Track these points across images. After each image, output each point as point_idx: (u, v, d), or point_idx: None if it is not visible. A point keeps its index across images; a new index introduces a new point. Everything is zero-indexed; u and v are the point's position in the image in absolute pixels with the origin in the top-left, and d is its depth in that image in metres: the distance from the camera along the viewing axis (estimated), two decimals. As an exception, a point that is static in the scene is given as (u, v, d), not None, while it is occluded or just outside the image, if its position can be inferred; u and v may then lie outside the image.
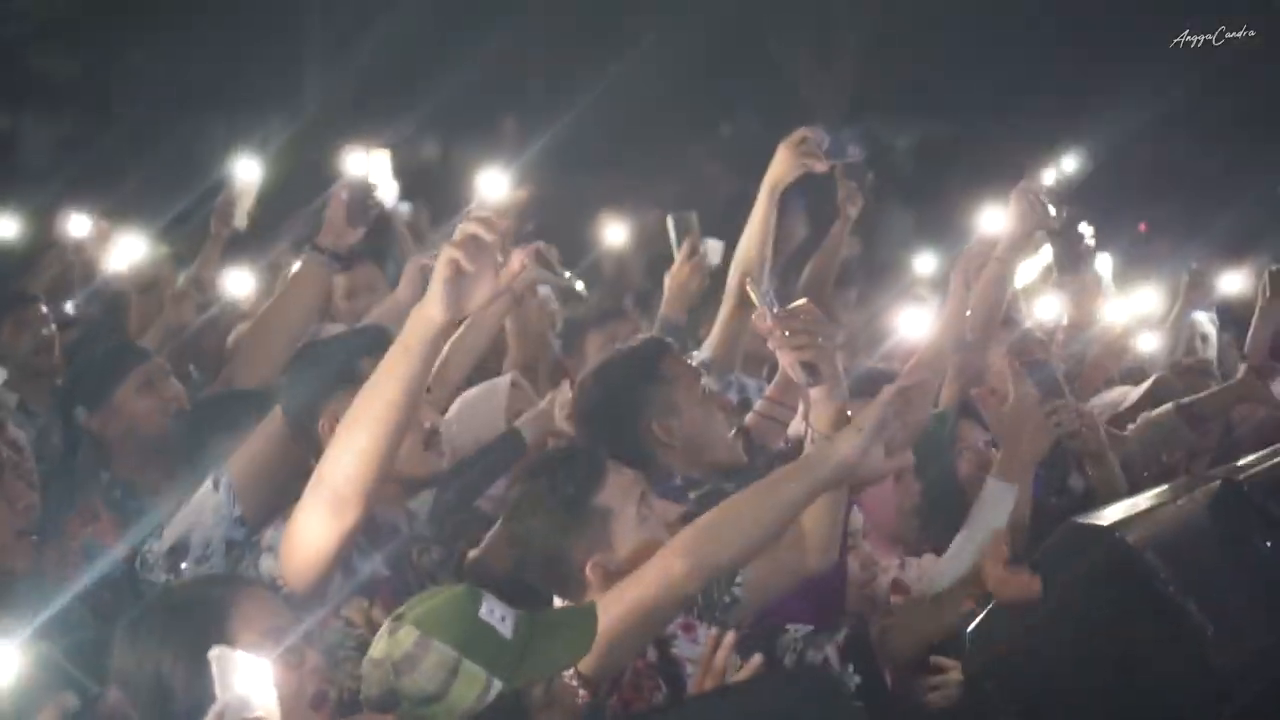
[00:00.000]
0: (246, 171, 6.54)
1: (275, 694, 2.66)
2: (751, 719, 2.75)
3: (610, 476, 3.61)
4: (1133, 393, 6.27)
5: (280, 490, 3.90)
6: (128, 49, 20.29)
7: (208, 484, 4.07)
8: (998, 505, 4.53)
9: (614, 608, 3.29)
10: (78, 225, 7.63)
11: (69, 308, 7.64)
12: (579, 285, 5.65)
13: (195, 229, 7.77)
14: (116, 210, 8.45)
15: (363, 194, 5.22)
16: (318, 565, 3.46)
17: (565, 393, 4.79)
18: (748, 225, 5.27)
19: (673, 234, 5.11)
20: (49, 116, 22.28)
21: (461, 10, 18.13)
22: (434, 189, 10.15)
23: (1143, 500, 4.35)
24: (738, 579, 3.71)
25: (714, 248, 8.31)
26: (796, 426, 4.60)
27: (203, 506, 4.05)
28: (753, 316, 3.44)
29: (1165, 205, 15.36)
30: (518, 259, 3.17)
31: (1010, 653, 4.03)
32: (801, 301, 3.45)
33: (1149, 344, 7.10)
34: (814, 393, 3.52)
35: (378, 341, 3.95)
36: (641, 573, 3.35)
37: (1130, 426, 5.86)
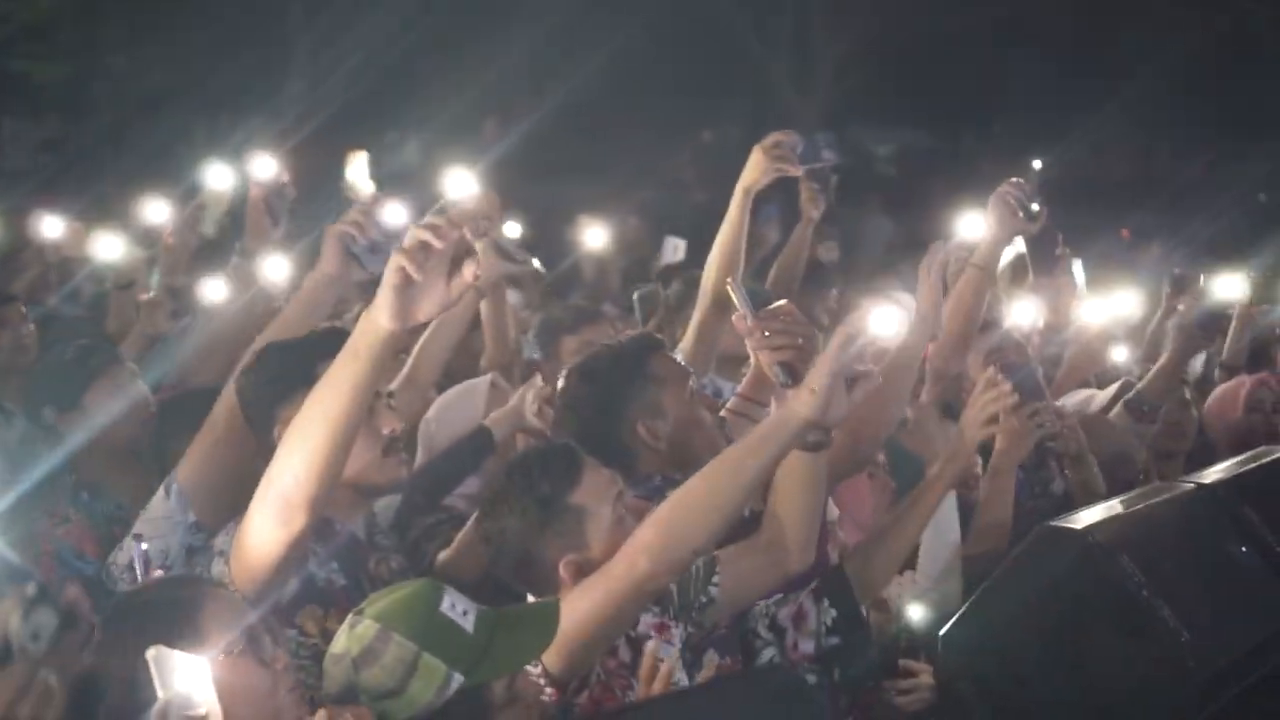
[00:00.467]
0: (218, 179, 6.45)
1: (215, 692, 2.62)
2: (717, 718, 2.74)
3: (587, 475, 3.57)
4: (1100, 395, 6.28)
5: (236, 490, 3.82)
6: (109, 52, 20.24)
7: (160, 492, 4.02)
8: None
9: (580, 604, 3.28)
10: (51, 226, 7.61)
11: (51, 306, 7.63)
12: (536, 265, 5.59)
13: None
14: (96, 212, 8.45)
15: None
16: (266, 571, 3.40)
17: (537, 384, 4.75)
18: (722, 227, 5.25)
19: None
20: (30, 119, 22.23)
21: (444, 15, 18.13)
22: (416, 192, 10.13)
23: (1117, 504, 4.35)
24: (714, 578, 3.67)
25: (675, 245, 8.32)
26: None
27: (155, 516, 4.00)
28: (733, 317, 3.40)
29: (1145, 212, 15.42)
30: (470, 270, 3.07)
31: (985, 655, 4.02)
32: (782, 303, 3.41)
33: (1122, 353, 7.10)
34: (791, 394, 3.47)
35: (337, 345, 3.94)
36: (607, 568, 3.34)
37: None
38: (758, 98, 20.11)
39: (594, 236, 8.87)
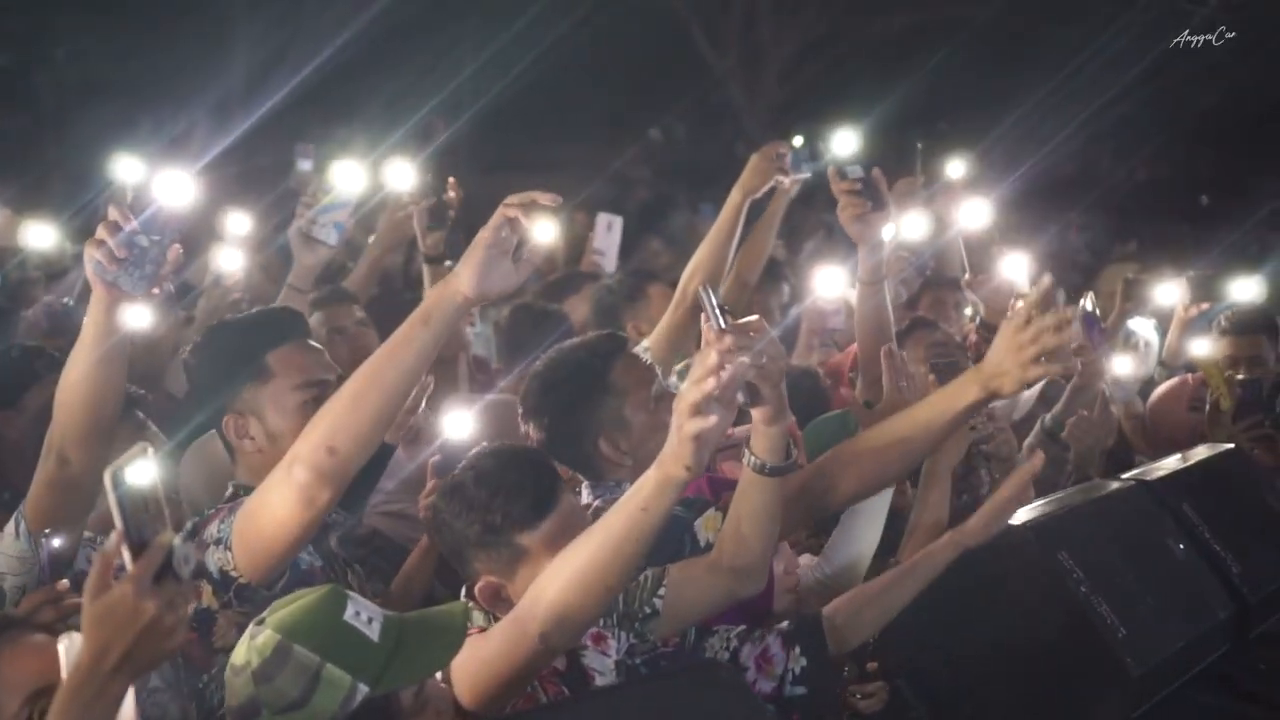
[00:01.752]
0: (129, 172, 6.32)
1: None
2: (651, 713, 2.69)
3: (545, 523, 3.43)
4: (1024, 396, 6.23)
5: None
6: (50, 42, 20.06)
7: (9, 527, 3.84)
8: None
9: (483, 651, 3.19)
10: None
11: None
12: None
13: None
14: (33, 201, 8.35)
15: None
16: (281, 552, 3.33)
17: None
18: (713, 230, 5.26)
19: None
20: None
21: (393, 11, 18.04)
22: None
23: (1055, 501, 4.33)
24: (660, 590, 3.52)
25: (608, 221, 8.23)
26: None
27: (9, 553, 3.83)
28: (703, 324, 3.32)
29: (1094, 213, 15.50)
30: (538, 252, 3.20)
31: (923, 652, 4.00)
32: (754, 318, 3.30)
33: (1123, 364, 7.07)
34: (755, 414, 3.33)
35: (287, 331, 3.85)
36: (497, 631, 3.23)
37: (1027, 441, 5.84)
38: (705, 95, 20.12)
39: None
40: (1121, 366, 6.13)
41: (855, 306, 5.09)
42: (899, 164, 6.75)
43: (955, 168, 7.00)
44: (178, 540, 2.40)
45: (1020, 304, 3.56)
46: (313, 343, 3.91)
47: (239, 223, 6.65)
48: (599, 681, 3.43)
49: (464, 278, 3.13)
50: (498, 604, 3.42)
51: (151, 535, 2.39)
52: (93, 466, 3.58)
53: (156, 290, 3.49)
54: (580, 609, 3.11)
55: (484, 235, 3.14)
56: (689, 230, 11.43)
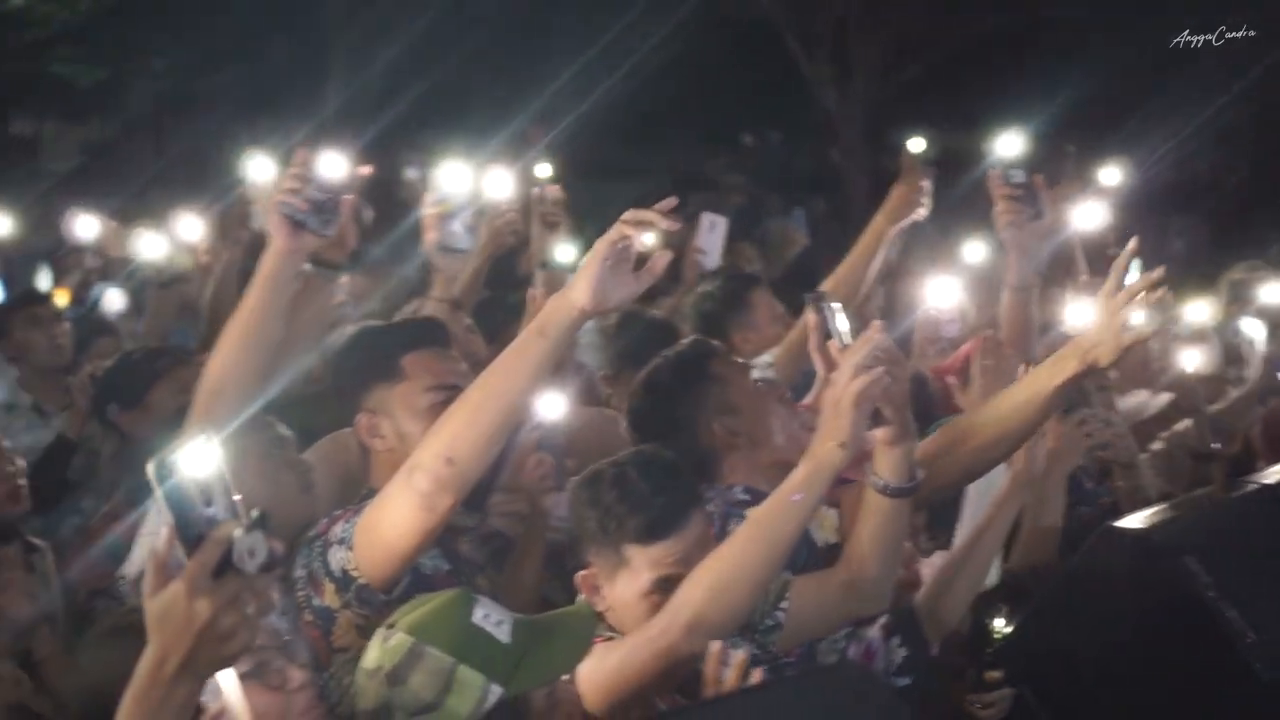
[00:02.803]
0: (259, 171, 6.41)
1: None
2: (783, 717, 2.66)
3: (658, 546, 3.41)
4: (1154, 401, 6.16)
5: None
6: (147, 54, 20.32)
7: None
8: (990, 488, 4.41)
9: (600, 670, 3.20)
10: (86, 226, 7.60)
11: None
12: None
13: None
14: (136, 213, 8.44)
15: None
16: (401, 557, 3.35)
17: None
18: (853, 255, 5.37)
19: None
20: (70, 121, 22.33)
21: (489, 20, 18.14)
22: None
23: (1178, 506, 4.27)
24: (783, 603, 3.53)
25: (711, 221, 8.18)
26: None
27: (158, 530, 3.92)
28: (812, 337, 3.32)
29: (1196, 215, 15.30)
30: (661, 260, 3.17)
31: (1046, 661, 3.94)
32: (879, 336, 3.28)
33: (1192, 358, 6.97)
34: (879, 434, 3.34)
35: (425, 336, 3.91)
36: (632, 638, 3.27)
37: (1156, 444, 5.77)
38: (798, 101, 20.04)
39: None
40: (1190, 360, 6.04)
41: (1003, 312, 5.01)
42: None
43: (1110, 174, 6.95)
44: (239, 532, 2.21)
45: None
46: (450, 351, 3.96)
47: (190, 226, 6.80)
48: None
49: (580, 290, 3.12)
50: (595, 598, 3.43)
51: (208, 528, 2.22)
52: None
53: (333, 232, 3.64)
54: (726, 609, 3.13)
55: (599, 248, 3.12)
56: (782, 236, 11.41)
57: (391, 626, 3.03)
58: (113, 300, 7.63)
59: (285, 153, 5.06)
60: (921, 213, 5.37)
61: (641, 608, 3.35)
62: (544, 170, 6.32)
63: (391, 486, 3.31)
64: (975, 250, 6.90)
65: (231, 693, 2.46)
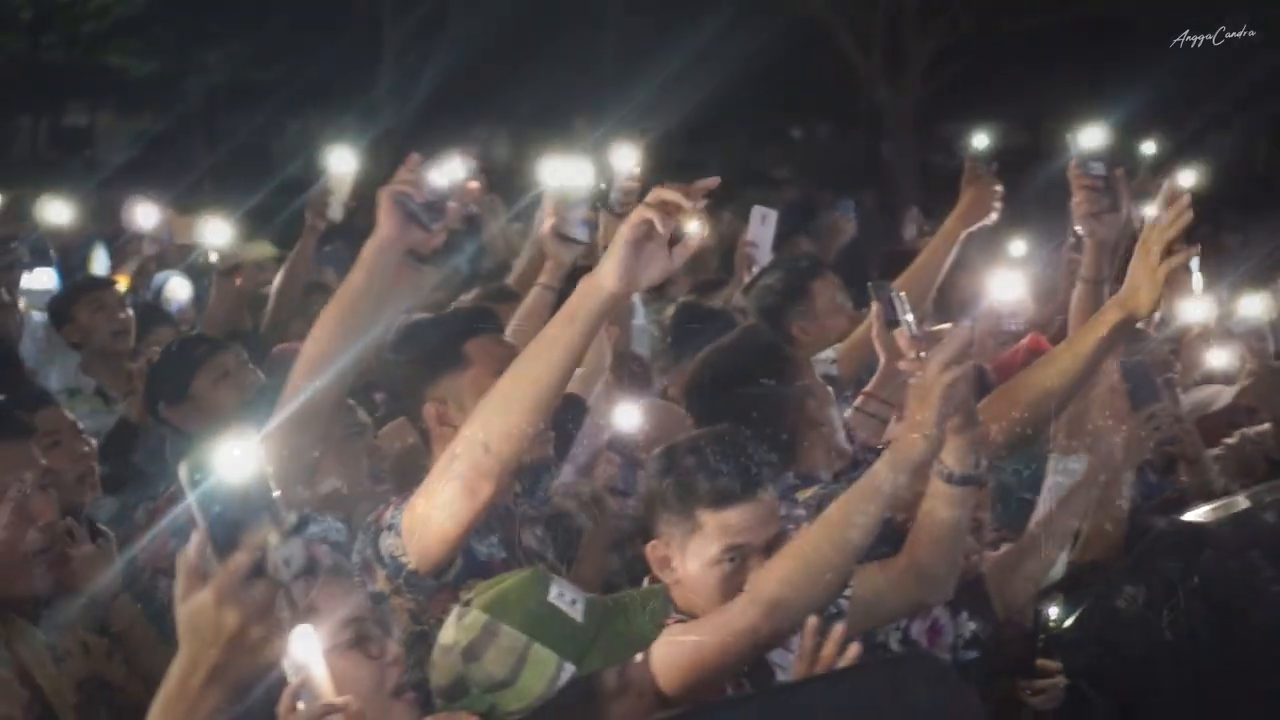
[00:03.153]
0: (341, 162, 6.42)
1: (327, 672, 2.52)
2: (853, 705, 2.65)
3: (716, 520, 3.40)
4: (1225, 393, 6.10)
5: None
6: (201, 48, 20.45)
7: None
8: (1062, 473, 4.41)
9: (674, 653, 3.19)
10: (146, 214, 7.66)
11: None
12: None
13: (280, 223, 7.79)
14: (190, 204, 8.51)
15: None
16: (446, 543, 3.35)
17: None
18: (924, 254, 5.44)
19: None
20: (124, 112, 22.51)
21: (538, 13, 18.17)
22: (506, 187, 10.16)
23: (1241, 500, 4.25)
24: (846, 591, 3.49)
25: (763, 214, 8.17)
26: (895, 428, 4.47)
27: None
28: (894, 333, 3.32)
29: (1251, 211, 15.18)
30: (694, 242, 3.08)
31: (1106, 653, 3.93)
32: (950, 326, 3.31)
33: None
34: (900, 438, 3.31)
35: (480, 323, 3.93)
36: (708, 619, 3.27)
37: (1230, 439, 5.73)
38: (848, 94, 20.04)
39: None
40: (1217, 359, 5.99)
41: (1073, 303, 4.98)
42: (1046, 160, 6.67)
43: (1186, 177, 6.95)
44: (275, 539, 2.10)
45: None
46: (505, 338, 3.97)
47: (218, 231, 6.85)
48: (780, 677, 3.42)
49: (608, 272, 3.06)
50: (664, 571, 3.43)
51: (243, 534, 2.11)
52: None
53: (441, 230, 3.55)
54: (807, 593, 3.14)
55: (624, 230, 3.06)
56: (831, 226, 11.40)
57: (468, 604, 3.05)
58: (178, 289, 7.68)
59: (368, 145, 5.10)
60: (993, 216, 5.37)
61: (711, 576, 3.36)
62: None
63: (434, 473, 3.32)
64: (1019, 246, 6.89)
65: (314, 664, 2.47)
